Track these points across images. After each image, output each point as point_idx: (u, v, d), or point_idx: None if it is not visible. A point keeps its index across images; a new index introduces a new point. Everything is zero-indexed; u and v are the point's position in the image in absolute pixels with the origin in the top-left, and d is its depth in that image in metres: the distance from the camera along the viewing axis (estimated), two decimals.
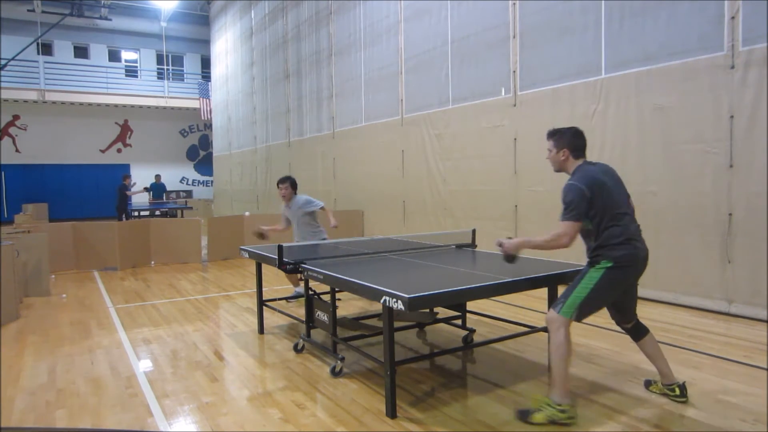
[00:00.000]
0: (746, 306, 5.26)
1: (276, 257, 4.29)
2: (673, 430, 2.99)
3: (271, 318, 5.62)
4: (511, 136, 7.72)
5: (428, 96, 9.35)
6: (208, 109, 22.12)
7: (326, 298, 4.18)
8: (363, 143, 11.39)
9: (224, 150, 20.82)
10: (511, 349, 4.45)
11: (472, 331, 4.64)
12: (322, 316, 4.12)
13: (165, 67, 24.14)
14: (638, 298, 3.37)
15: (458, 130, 8.71)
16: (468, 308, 4.81)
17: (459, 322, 4.76)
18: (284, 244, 4.51)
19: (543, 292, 3.96)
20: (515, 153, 7.67)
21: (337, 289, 3.98)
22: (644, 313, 5.39)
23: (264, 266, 5.14)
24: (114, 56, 23.41)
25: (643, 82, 6.06)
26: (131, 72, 23.73)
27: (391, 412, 3.20)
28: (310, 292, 4.32)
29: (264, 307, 5.25)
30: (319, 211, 6.20)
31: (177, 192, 24.00)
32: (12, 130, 21.64)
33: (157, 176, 17.36)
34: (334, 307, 3.98)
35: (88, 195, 22.43)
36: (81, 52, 22.69)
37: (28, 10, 20.45)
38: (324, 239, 6.10)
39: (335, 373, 3.91)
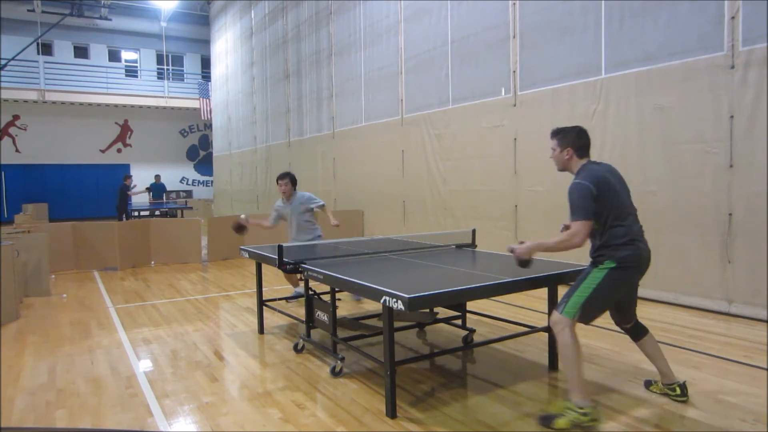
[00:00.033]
0: (746, 306, 5.26)
1: (276, 257, 4.29)
2: (673, 430, 2.99)
3: (271, 318, 5.62)
4: (511, 136, 7.72)
5: (428, 96, 9.35)
6: (208, 109, 22.12)
7: (326, 298, 4.18)
8: (363, 143, 11.39)
9: (224, 150, 20.82)
10: (511, 349, 4.45)
11: (472, 331, 4.64)
12: (322, 316, 4.12)
13: (165, 67, 24.14)
14: (638, 298, 3.37)
15: (458, 130, 8.71)
16: (468, 308, 4.81)
17: (459, 322, 4.75)
18: (284, 244, 4.52)
19: (543, 292, 3.96)
20: (515, 153, 7.67)
21: (337, 289, 3.98)
22: (644, 313, 5.40)
23: (264, 266, 5.15)
24: (114, 56, 23.41)
25: (643, 82, 6.06)
26: (131, 72, 23.73)
27: (391, 412, 3.20)
28: (310, 292, 4.32)
29: (264, 307, 5.25)
30: (318, 211, 6.24)
31: (177, 192, 24.01)
32: (12, 130, 21.65)
33: (157, 176, 17.40)
34: (334, 307, 3.98)
35: (88, 195, 22.43)
36: (81, 52, 22.69)
37: (28, 10, 20.45)
38: (319, 236, 6.17)
39: (335, 373, 3.91)
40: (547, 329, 3.99)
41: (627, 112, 6.24)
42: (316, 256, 4.63)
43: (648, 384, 3.51)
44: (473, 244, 5.13)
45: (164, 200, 17.23)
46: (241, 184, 18.90)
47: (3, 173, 21.13)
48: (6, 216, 20.44)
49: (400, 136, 10.13)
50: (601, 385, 3.62)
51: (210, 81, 22.47)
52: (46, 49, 21.90)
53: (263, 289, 5.34)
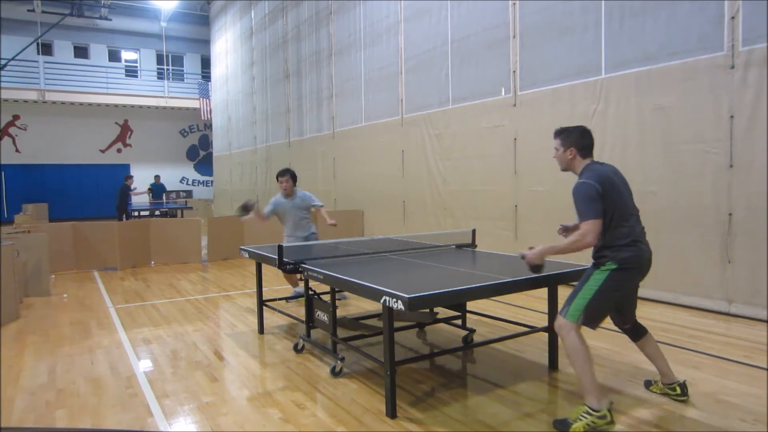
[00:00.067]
0: (746, 306, 5.26)
1: (276, 257, 4.29)
2: (673, 430, 2.99)
3: (271, 318, 5.62)
4: (511, 136, 7.72)
5: (428, 96, 9.35)
6: (208, 109, 22.13)
7: (326, 298, 4.18)
8: (363, 143, 11.39)
9: (224, 150, 20.82)
10: (511, 349, 4.45)
11: (472, 331, 4.64)
12: (322, 316, 4.12)
13: (165, 67, 24.14)
14: (638, 298, 3.37)
15: (458, 130, 8.71)
16: (468, 308, 4.81)
17: (459, 322, 4.76)
18: (284, 244, 4.52)
19: (543, 292, 3.96)
20: (515, 153, 7.67)
21: (337, 289, 3.98)
22: (644, 313, 5.40)
23: (264, 266, 5.14)
24: (114, 56, 23.41)
25: (643, 82, 6.06)
26: (131, 72, 23.73)
27: (391, 412, 3.20)
28: (310, 292, 4.32)
29: (264, 307, 5.25)
30: (314, 211, 6.35)
31: (177, 192, 24.01)
32: (12, 130, 21.65)
33: (157, 177, 17.43)
34: (334, 307, 3.98)
35: (88, 195, 22.44)
36: (81, 52, 22.69)
37: (28, 10, 20.45)
38: (314, 233, 6.25)
39: (335, 373, 3.91)
40: (547, 329, 4.00)
41: (627, 112, 6.24)
42: (316, 256, 4.62)
43: (648, 384, 3.51)
44: (473, 244, 5.13)
45: (164, 200, 17.24)
46: (241, 184, 18.90)
47: (3, 173, 21.13)
48: (6, 216, 20.45)
49: (400, 136, 10.13)
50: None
51: (210, 81, 22.48)
52: (46, 49, 21.90)
53: (263, 289, 5.34)
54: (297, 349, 4.51)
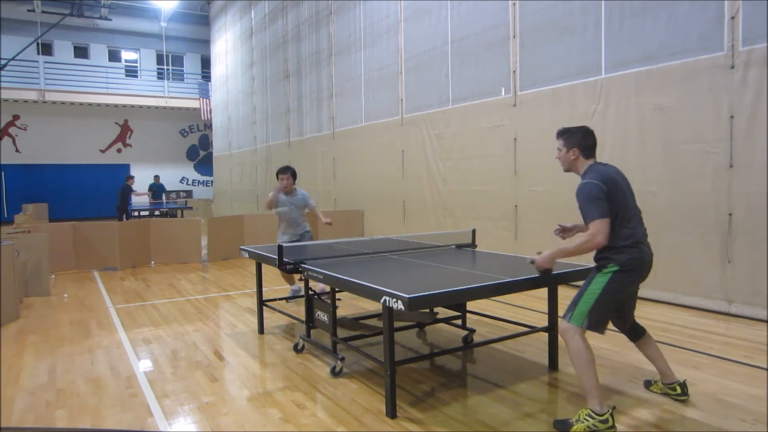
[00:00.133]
0: (746, 306, 5.26)
1: (276, 257, 4.29)
2: (673, 430, 2.99)
3: (271, 318, 5.62)
4: (511, 136, 7.72)
5: (428, 96, 9.35)
6: (208, 109, 22.13)
7: (326, 297, 4.17)
8: (363, 143, 11.39)
9: (224, 150, 20.83)
10: (511, 349, 4.45)
11: (472, 331, 4.64)
12: (322, 316, 4.12)
13: (165, 67, 24.14)
14: (638, 298, 3.37)
15: (458, 130, 8.71)
16: (468, 308, 4.81)
17: (459, 322, 4.76)
18: (284, 244, 4.52)
19: (543, 292, 3.96)
20: (515, 153, 7.67)
21: (337, 289, 3.98)
22: (644, 313, 5.40)
23: (264, 266, 5.14)
24: (114, 56, 23.42)
25: (643, 82, 6.06)
26: (131, 72, 23.73)
27: (391, 412, 3.20)
28: (310, 292, 4.32)
29: (264, 307, 5.25)
30: (307, 211, 6.41)
31: (177, 192, 24.02)
32: (12, 130, 21.65)
33: (156, 177, 17.46)
34: (334, 307, 3.98)
35: (88, 195, 22.44)
36: (81, 52, 22.69)
37: (28, 10, 20.45)
38: (308, 231, 6.31)
39: (335, 373, 3.91)
40: (547, 329, 4.00)
41: (627, 112, 6.24)
42: (316, 256, 4.62)
43: (648, 384, 3.51)
44: (473, 244, 5.13)
45: (163, 200, 17.26)
46: (241, 184, 18.90)
47: (3, 173, 21.14)
48: (6, 216, 20.45)
49: (400, 136, 10.13)
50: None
51: (210, 81, 22.48)
52: (46, 49, 21.90)
53: (263, 289, 5.34)
54: (297, 349, 4.51)
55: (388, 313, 3.17)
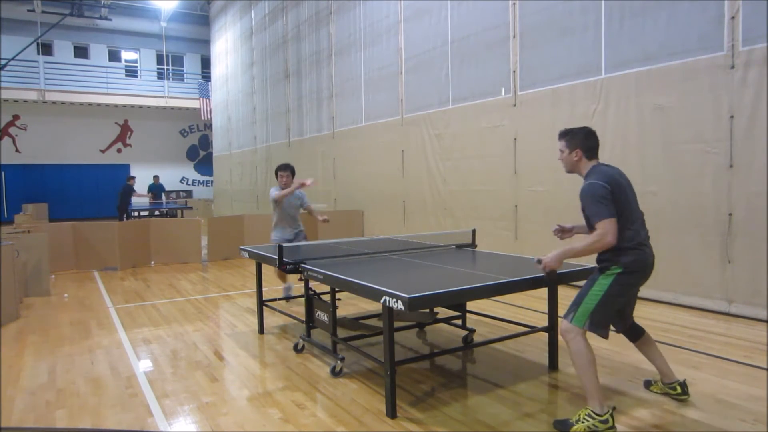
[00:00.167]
0: (746, 306, 5.26)
1: (276, 257, 4.29)
2: (673, 430, 2.99)
3: (271, 318, 5.62)
4: (511, 136, 7.72)
5: (428, 96, 9.35)
6: (208, 109, 22.13)
7: (326, 298, 4.17)
8: (363, 143, 11.39)
9: (224, 150, 20.83)
10: (511, 349, 4.45)
11: (472, 331, 4.64)
12: (322, 316, 4.12)
13: (165, 67, 24.14)
14: (638, 298, 3.37)
15: (458, 130, 8.71)
16: (468, 308, 4.81)
17: (459, 322, 4.76)
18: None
19: (543, 292, 3.96)
20: (515, 153, 7.67)
21: (337, 289, 3.98)
22: (644, 313, 5.40)
23: (264, 266, 5.14)
24: (114, 56, 23.42)
25: (643, 82, 6.06)
26: (131, 72, 23.73)
27: (391, 412, 3.20)
28: (310, 292, 4.32)
29: (264, 307, 5.25)
30: (304, 210, 6.43)
31: (177, 192, 24.03)
32: (12, 130, 21.65)
33: (156, 177, 17.49)
34: (334, 307, 3.98)
35: (88, 195, 22.44)
36: (81, 52, 22.69)
37: (28, 10, 20.45)
38: (302, 230, 6.33)
39: (335, 373, 3.91)
40: (547, 329, 4.00)
41: (627, 112, 6.24)
42: (316, 256, 4.62)
43: (648, 384, 3.51)
44: (473, 244, 5.13)
45: (163, 200, 17.28)
46: (241, 184, 18.90)
47: (3, 173, 21.14)
48: (6, 216, 20.45)
49: (400, 136, 10.13)
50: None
51: (210, 81, 22.48)
52: (46, 49, 21.90)
53: (263, 289, 5.34)
54: (297, 349, 4.51)
55: (388, 313, 3.17)
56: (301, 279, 4.25)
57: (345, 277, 3.52)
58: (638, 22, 6.08)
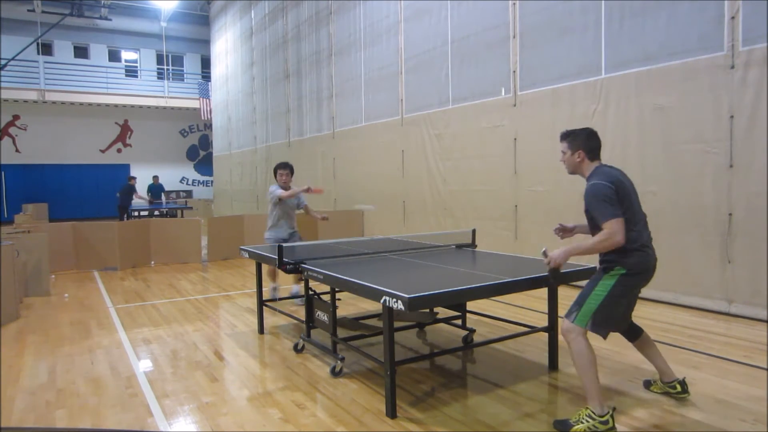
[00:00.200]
0: (746, 306, 5.26)
1: (276, 257, 4.29)
2: (673, 431, 2.99)
3: (271, 318, 5.62)
4: (511, 136, 7.72)
5: (428, 96, 9.35)
6: (208, 109, 22.13)
7: (326, 298, 4.17)
8: (363, 143, 11.39)
9: (224, 150, 20.82)
10: (511, 349, 4.45)
11: (472, 331, 4.64)
12: (322, 316, 4.12)
13: (165, 67, 24.14)
14: (638, 298, 3.36)
15: (458, 130, 8.71)
16: (468, 308, 4.81)
17: (459, 322, 4.76)
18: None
19: (543, 292, 3.96)
20: (515, 153, 7.67)
21: (337, 289, 3.98)
22: (644, 313, 5.41)
23: (264, 266, 5.14)
24: (114, 56, 23.42)
25: (643, 82, 6.06)
26: (131, 72, 23.73)
27: (391, 412, 3.20)
28: (310, 292, 4.32)
29: (264, 307, 5.25)
30: (301, 210, 6.43)
31: (177, 192, 24.03)
32: (12, 130, 21.65)
33: (155, 177, 17.52)
34: (334, 307, 3.98)
35: (88, 195, 22.45)
36: (81, 52, 22.70)
37: (28, 10, 20.45)
38: (297, 230, 6.33)
39: (335, 373, 3.91)
40: (547, 329, 4.00)
41: (627, 112, 6.24)
42: (316, 256, 4.62)
43: (647, 384, 3.51)
44: (473, 244, 5.13)
45: (163, 201, 17.31)
46: (241, 184, 18.90)
47: (3, 173, 21.14)
48: (6, 216, 20.45)
49: (400, 136, 10.13)
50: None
51: (210, 81, 22.48)
52: (46, 49, 21.90)
53: (263, 289, 5.34)
54: (297, 349, 4.51)
55: (388, 313, 3.17)
56: (301, 279, 4.25)
57: (345, 277, 3.52)
58: (638, 22, 6.08)
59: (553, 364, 3.98)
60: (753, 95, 5.13)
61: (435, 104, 9.19)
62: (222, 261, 9.98)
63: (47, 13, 20.44)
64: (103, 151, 23.38)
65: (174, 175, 24.55)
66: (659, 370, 3.36)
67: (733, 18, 5.27)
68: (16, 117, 21.61)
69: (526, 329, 4.31)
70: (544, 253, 3.08)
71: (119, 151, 23.73)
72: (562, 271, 3.49)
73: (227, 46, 20.05)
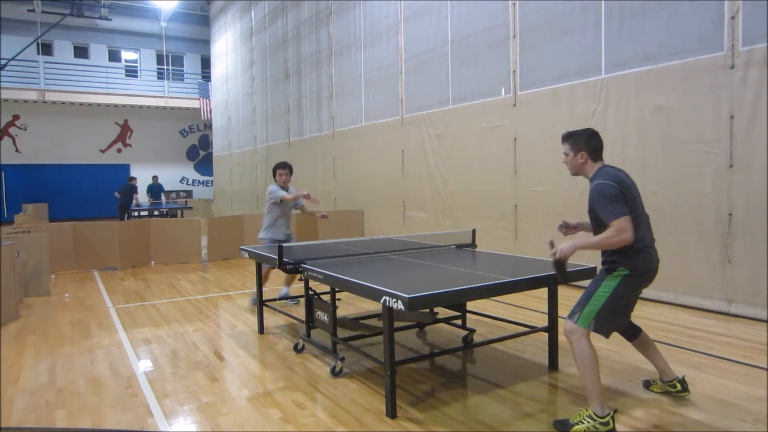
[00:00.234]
0: (746, 306, 5.26)
1: (276, 257, 4.29)
2: (673, 431, 2.99)
3: (271, 318, 5.62)
4: (511, 136, 7.72)
5: (428, 96, 9.35)
6: (208, 109, 22.13)
7: (326, 298, 4.17)
8: (363, 143, 11.39)
9: (224, 150, 20.82)
10: (511, 349, 4.45)
11: (472, 331, 4.64)
12: (322, 316, 4.12)
13: (165, 67, 24.14)
14: (638, 299, 3.36)
15: (458, 130, 8.71)
16: (468, 308, 4.81)
17: (459, 322, 4.76)
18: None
19: (543, 292, 3.96)
20: (515, 153, 7.67)
21: (337, 289, 3.98)
22: (644, 313, 5.41)
23: (264, 266, 5.14)
24: (114, 56, 23.42)
25: (643, 82, 6.06)
26: (131, 72, 23.73)
27: (391, 412, 3.20)
28: (310, 292, 4.32)
29: (264, 307, 5.25)
30: (297, 211, 6.46)
31: (177, 192, 24.03)
32: (12, 130, 21.65)
33: (155, 177, 17.57)
34: (334, 307, 3.98)
35: (88, 195, 22.45)
36: (81, 52, 22.70)
37: (28, 10, 20.45)
38: (291, 232, 6.35)
39: (335, 373, 3.91)
40: (547, 329, 4.00)
41: (627, 112, 6.24)
42: (316, 256, 4.62)
43: (647, 384, 3.51)
44: (473, 244, 5.13)
45: (162, 201, 17.35)
46: (241, 184, 18.90)
47: (3, 173, 21.14)
48: (6, 216, 20.45)
49: (400, 136, 10.13)
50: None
51: (210, 81, 22.48)
52: (46, 49, 21.90)
53: (263, 289, 5.34)
54: (297, 349, 4.51)
55: (388, 313, 3.17)
56: (301, 279, 4.24)
57: (345, 277, 3.52)
58: (638, 22, 6.08)
59: (553, 364, 3.98)
60: (753, 95, 5.13)
61: (435, 104, 9.19)
62: (222, 261, 9.98)
63: (47, 13, 20.44)
64: (103, 151, 23.38)
65: (174, 175, 24.55)
66: (659, 369, 3.37)
67: (733, 18, 5.27)
68: (16, 117, 21.61)
69: (526, 329, 4.31)
70: (551, 244, 3.05)
71: (119, 151, 23.73)
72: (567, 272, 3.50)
73: (227, 46, 20.05)
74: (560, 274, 3.07)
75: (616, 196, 2.90)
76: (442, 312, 4.79)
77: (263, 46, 16.55)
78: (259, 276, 5.27)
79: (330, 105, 12.63)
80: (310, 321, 4.32)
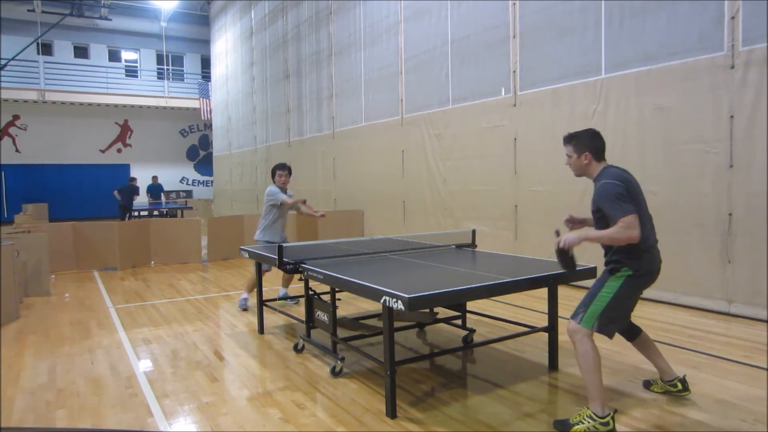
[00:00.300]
0: (746, 306, 5.26)
1: (276, 257, 4.29)
2: (672, 431, 2.99)
3: (271, 318, 5.62)
4: (511, 136, 7.72)
5: (428, 96, 9.35)
6: (208, 109, 22.13)
7: (326, 298, 4.17)
8: (363, 143, 11.39)
9: (224, 150, 20.82)
10: (511, 349, 4.45)
11: (472, 331, 4.64)
12: (322, 316, 4.12)
13: (165, 67, 24.14)
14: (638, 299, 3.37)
15: (458, 130, 8.71)
16: (468, 308, 4.81)
17: (459, 322, 4.76)
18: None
19: (543, 292, 3.96)
20: (515, 153, 7.67)
21: (337, 289, 3.98)
22: (644, 313, 5.41)
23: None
24: (114, 56, 23.42)
25: (643, 82, 6.06)
26: (131, 72, 23.73)
27: (391, 412, 3.20)
28: (310, 292, 4.32)
29: (264, 307, 5.25)
30: (294, 212, 6.42)
31: (177, 192, 24.03)
32: (12, 130, 21.65)
33: (154, 177, 17.59)
34: (334, 307, 3.98)
35: (88, 195, 22.45)
36: (81, 52, 22.70)
37: (28, 10, 20.45)
38: (286, 235, 6.33)
39: (335, 373, 3.91)
40: (547, 329, 4.00)
41: (627, 112, 6.24)
42: (316, 256, 4.62)
43: (647, 384, 3.51)
44: (473, 244, 5.13)
45: (162, 201, 17.37)
46: (241, 184, 18.90)
47: (3, 173, 21.13)
48: (6, 216, 20.45)
49: (400, 136, 10.13)
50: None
51: (210, 81, 22.48)
52: (46, 49, 21.90)
53: (263, 289, 5.34)
54: (297, 349, 4.51)
55: (388, 313, 3.17)
56: (301, 279, 4.24)
57: (345, 277, 3.52)
58: (638, 22, 6.08)
59: (553, 364, 3.98)
60: (753, 95, 5.13)
61: (435, 104, 9.19)
62: (222, 261, 9.98)
63: (47, 13, 20.44)
64: (103, 151, 23.38)
65: (174, 175, 24.55)
66: (659, 368, 3.37)
67: (733, 18, 5.27)
68: (16, 117, 21.61)
69: (526, 329, 4.31)
70: (557, 233, 3.03)
71: (119, 151, 23.73)
72: (561, 271, 3.49)
73: (227, 46, 20.05)
74: (563, 264, 3.03)
75: (623, 195, 2.90)
76: (442, 312, 4.79)
77: (263, 46, 16.55)
78: (260, 276, 5.27)
79: (330, 105, 12.63)
80: (310, 321, 4.32)
